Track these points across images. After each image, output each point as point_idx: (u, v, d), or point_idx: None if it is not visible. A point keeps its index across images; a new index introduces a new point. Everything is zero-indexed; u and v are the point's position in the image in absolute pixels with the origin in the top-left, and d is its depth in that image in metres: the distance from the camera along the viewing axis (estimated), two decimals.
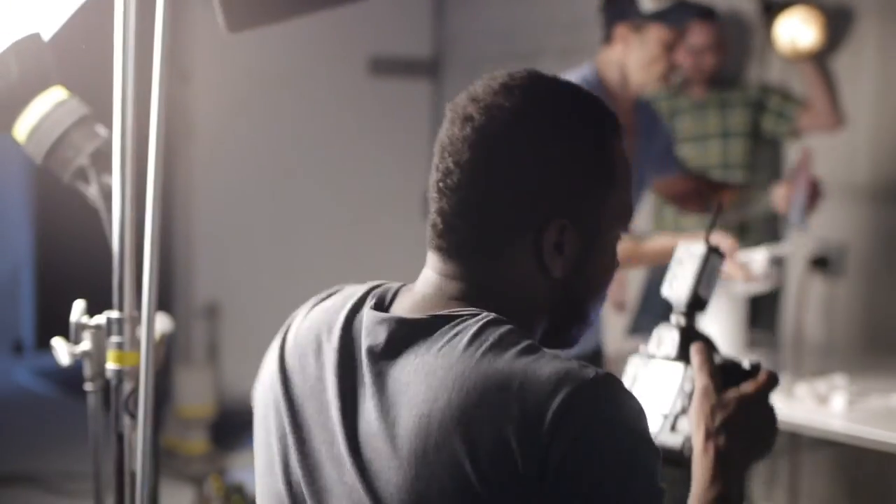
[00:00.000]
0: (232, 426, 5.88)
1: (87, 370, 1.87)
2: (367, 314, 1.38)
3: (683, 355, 1.62)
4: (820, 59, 4.29)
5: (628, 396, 1.25)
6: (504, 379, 1.23)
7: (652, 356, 1.66)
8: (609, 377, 1.24)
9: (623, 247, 3.08)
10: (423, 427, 1.24)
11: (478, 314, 1.32)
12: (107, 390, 1.86)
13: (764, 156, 4.55)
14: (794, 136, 4.37)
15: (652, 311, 4.40)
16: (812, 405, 3.19)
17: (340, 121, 6.21)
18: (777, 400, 2.97)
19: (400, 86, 6.35)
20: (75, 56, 1.99)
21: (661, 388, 1.61)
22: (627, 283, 4.66)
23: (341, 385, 1.35)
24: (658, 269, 4.47)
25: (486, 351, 1.26)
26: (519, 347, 1.26)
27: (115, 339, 1.84)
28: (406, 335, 1.33)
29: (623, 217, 1.43)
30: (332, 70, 6.20)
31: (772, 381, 1.55)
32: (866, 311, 4.53)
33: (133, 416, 1.83)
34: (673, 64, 3.11)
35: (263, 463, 1.46)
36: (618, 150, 1.40)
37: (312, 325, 1.46)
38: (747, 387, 1.53)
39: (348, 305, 1.43)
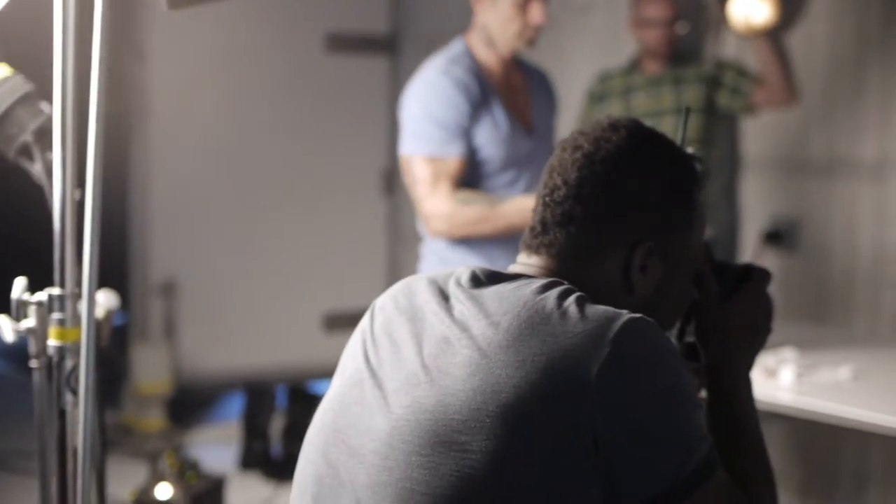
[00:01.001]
0: (189, 403, 5.88)
1: (32, 347, 1.87)
2: (460, 270, 1.59)
3: None
4: (774, 35, 4.31)
5: (662, 331, 1.46)
6: (565, 310, 1.42)
7: None
8: (648, 318, 1.44)
9: (476, 211, 3.10)
10: (491, 333, 1.42)
11: (546, 278, 1.53)
12: (51, 367, 1.86)
13: (719, 131, 4.57)
14: (749, 111, 4.39)
15: None
16: (761, 379, 3.22)
17: (298, 98, 6.19)
18: None
19: (357, 62, 6.33)
20: (18, 33, 1.99)
21: None
22: None
23: (434, 304, 1.54)
24: None
25: (554, 294, 1.45)
26: (578, 295, 1.46)
27: (56, 315, 1.84)
28: (492, 277, 1.55)
29: (695, 260, 1.67)
30: (289, 47, 6.17)
31: (766, 276, 1.74)
32: (818, 284, 4.57)
33: (75, 393, 1.82)
34: (529, 22, 3.17)
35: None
36: (699, 201, 1.64)
37: (406, 286, 1.64)
38: (749, 287, 1.71)
39: (441, 275, 1.62)
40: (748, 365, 1.70)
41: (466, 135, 3.12)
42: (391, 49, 6.43)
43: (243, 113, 6.09)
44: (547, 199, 1.59)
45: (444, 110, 3.12)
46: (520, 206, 3.02)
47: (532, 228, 1.61)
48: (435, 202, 3.11)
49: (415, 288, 1.60)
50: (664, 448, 1.39)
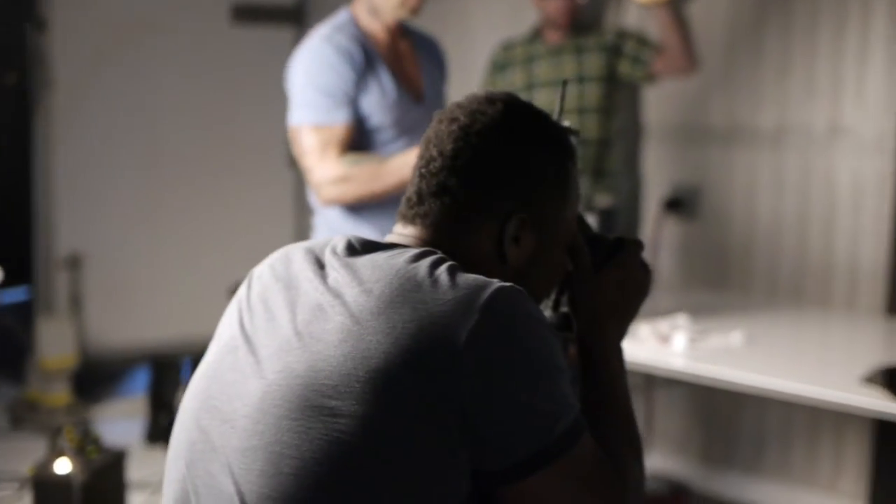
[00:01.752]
0: (95, 377, 5.83)
1: None
2: (336, 239, 1.60)
3: None
4: (674, 5, 4.33)
5: (532, 299, 1.48)
6: (437, 278, 1.44)
7: None
8: (517, 286, 1.46)
9: (365, 169, 3.09)
10: (363, 300, 1.44)
11: (421, 248, 1.54)
12: None
13: (620, 100, 4.60)
14: (650, 80, 4.42)
15: None
16: (655, 345, 3.26)
17: (203, 69, 6.14)
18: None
19: (263, 33, 6.28)
20: None
21: None
22: None
23: (310, 272, 1.55)
24: None
25: (427, 263, 1.47)
26: (451, 264, 1.47)
27: None
28: (367, 246, 1.57)
29: (570, 234, 1.68)
30: (195, 18, 6.11)
31: (638, 246, 1.77)
32: (718, 251, 4.62)
33: None
34: None
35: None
36: (573, 174, 1.66)
37: (281, 257, 1.65)
38: (620, 259, 1.74)
39: (316, 244, 1.63)
40: (619, 335, 1.73)
41: (352, 102, 3.12)
42: (297, 20, 6.38)
43: (149, 85, 6.02)
44: (423, 170, 1.61)
45: (328, 78, 3.11)
46: (409, 160, 3.01)
47: (408, 199, 1.63)
48: (324, 169, 3.10)
49: (292, 256, 1.61)
50: (530, 415, 1.40)
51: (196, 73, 6.11)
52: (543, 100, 4.41)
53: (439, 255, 1.50)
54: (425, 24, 3.77)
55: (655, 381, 4.32)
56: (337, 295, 1.47)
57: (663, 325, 3.36)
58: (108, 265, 5.91)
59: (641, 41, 4.38)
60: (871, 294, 4.20)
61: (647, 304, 3.87)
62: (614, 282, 1.71)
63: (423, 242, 1.59)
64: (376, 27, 3.24)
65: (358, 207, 3.17)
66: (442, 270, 1.45)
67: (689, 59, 4.33)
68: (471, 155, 1.58)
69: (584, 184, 4.32)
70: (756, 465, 4.56)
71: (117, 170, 5.96)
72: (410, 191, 1.63)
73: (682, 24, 4.29)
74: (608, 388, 1.65)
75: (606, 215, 4.49)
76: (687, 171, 4.68)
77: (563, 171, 1.64)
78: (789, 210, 4.40)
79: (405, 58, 3.28)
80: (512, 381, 1.39)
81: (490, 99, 1.62)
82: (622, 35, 4.42)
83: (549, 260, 1.65)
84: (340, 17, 3.27)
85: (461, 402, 1.37)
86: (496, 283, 1.44)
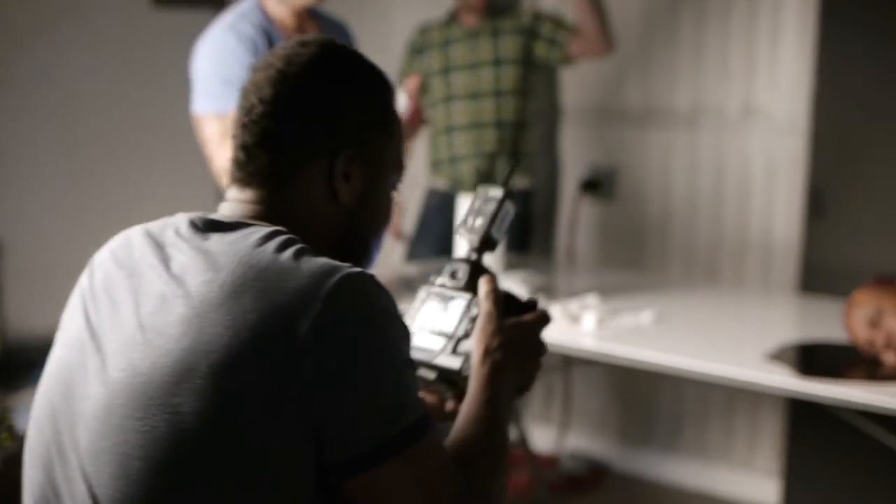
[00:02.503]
0: (16, 366, 5.76)
1: None
2: (178, 218, 1.56)
3: (472, 287, 1.73)
4: None
5: (383, 287, 1.45)
6: (282, 265, 1.41)
7: (442, 286, 1.75)
8: (368, 273, 1.44)
9: None
10: (205, 290, 1.40)
11: (268, 226, 1.50)
12: None
13: (537, 82, 4.62)
14: (566, 62, 4.43)
15: (428, 239, 4.45)
16: (565, 325, 3.28)
17: (124, 54, 6.08)
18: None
19: (185, 17, 6.23)
20: None
21: (449, 314, 1.73)
22: (404, 212, 4.70)
23: (152, 258, 1.51)
24: (434, 198, 4.53)
25: (273, 247, 1.44)
26: (298, 248, 1.44)
27: None
28: (211, 225, 1.52)
29: (398, 168, 1.66)
30: (115, 1, 6.05)
31: (546, 318, 1.71)
32: (635, 231, 4.66)
33: None
34: None
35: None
36: (395, 112, 1.64)
37: (125, 240, 1.61)
38: (527, 317, 1.69)
39: (155, 225, 1.59)
40: (511, 384, 1.65)
41: None
42: (220, 4, 6.34)
43: (68, 68, 5.96)
44: (245, 119, 1.58)
45: (230, 66, 3.11)
46: None
47: (236, 160, 1.59)
48: (224, 157, 3.09)
49: (133, 241, 1.57)
50: (373, 407, 1.38)
51: (117, 57, 6.05)
52: (461, 83, 4.43)
53: (286, 235, 1.47)
54: (345, 8, 3.77)
55: (573, 361, 4.35)
56: (180, 283, 1.43)
57: (573, 305, 3.39)
58: (28, 252, 5.84)
59: (557, 23, 4.39)
60: (785, 272, 4.26)
61: (561, 284, 3.92)
62: (521, 336, 1.66)
63: (259, 202, 1.55)
64: (283, 12, 3.23)
65: None
66: (287, 255, 1.43)
67: (605, 41, 4.35)
68: (291, 96, 1.56)
69: (501, 166, 4.35)
70: (673, 443, 4.61)
71: (37, 156, 5.89)
72: (236, 148, 1.59)
73: (597, 7, 4.31)
74: (490, 426, 1.57)
75: (524, 197, 4.51)
76: (603, 152, 4.72)
77: (384, 105, 1.62)
78: (704, 190, 4.45)
79: None
80: (355, 374, 1.37)
81: (303, 43, 1.61)
82: (538, 17, 4.43)
83: (379, 195, 1.63)
84: (246, 3, 3.26)
85: (303, 395, 1.35)
86: (344, 269, 1.41)
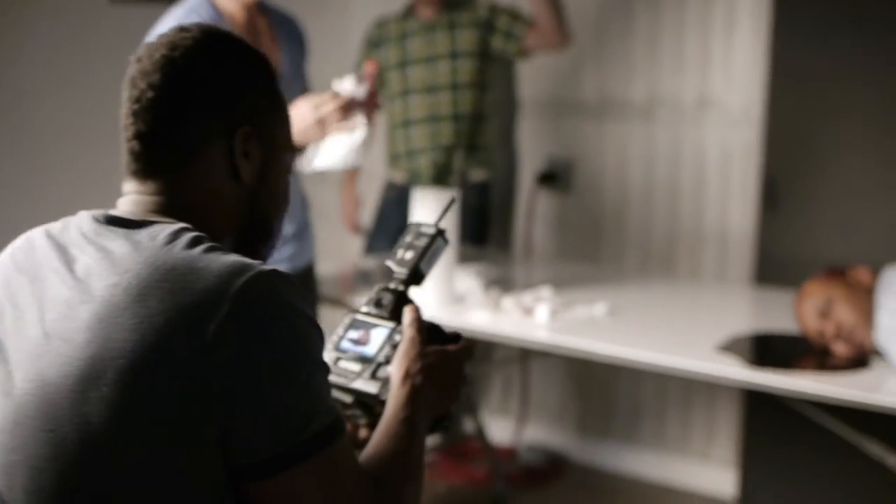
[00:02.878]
0: None
1: None
2: (81, 217, 1.51)
3: (396, 316, 1.72)
4: None
5: (297, 286, 1.42)
6: (190, 264, 1.37)
7: (367, 313, 1.75)
8: (281, 271, 1.41)
9: None
10: (109, 295, 1.36)
11: (174, 223, 1.46)
12: None
13: (494, 75, 4.62)
14: (523, 55, 4.43)
15: (386, 232, 4.44)
16: (518, 317, 3.29)
17: (81, 49, 6.04)
18: (486, 314, 3.05)
19: (140, 12, 6.20)
20: None
21: (371, 340, 1.72)
22: (362, 206, 4.70)
23: (55, 261, 1.46)
24: (392, 192, 4.52)
25: (181, 245, 1.40)
26: (207, 246, 1.41)
27: None
28: (116, 221, 1.47)
29: (291, 149, 1.65)
30: None
31: (469, 350, 1.72)
32: (592, 224, 4.67)
33: None
34: None
35: None
36: (281, 92, 1.62)
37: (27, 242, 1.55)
38: (451, 347, 1.69)
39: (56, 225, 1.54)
40: (429, 411, 1.64)
41: None
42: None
43: (24, 66, 5.92)
44: (135, 107, 1.51)
45: None
46: None
47: (131, 151, 1.52)
48: None
49: (35, 243, 1.52)
50: (282, 411, 1.35)
51: (73, 52, 6.02)
52: (418, 76, 4.42)
53: (193, 233, 1.43)
54: (302, 2, 3.76)
55: (531, 353, 4.36)
56: (85, 288, 1.39)
57: (527, 297, 3.39)
58: None
59: (514, 16, 4.39)
60: (740, 263, 4.28)
61: (518, 276, 3.92)
62: (442, 359, 1.66)
63: (161, 193, 1.51)
64: (233, 7, 3.20)
65: None
66: (195, 254, 1.39)
67: (562, 33, 4.35)
68: (181, 79, 1.51)
69: (458, 159, 4.35)
70: (632, 434, 4.63)
71: None
72: (129, 137, 1.52)
73: (553, 0, 4.31)
74: (406, 444, 1.55)
75: (481, 190, 4.52)
76: (560, 144, 4.72)
77: (273, 84, 1.60)
78: (660, 182, 4.47)
79: (262, 35, 3.26)
80: (262, 378, 1.34)
81: (183, 28, 1.57)
82: (495, 10, 4.43)
83: (277, 173, 1.60)
84: None
85: (209, 399, 1.32)
86: (254, 268, 1.38)
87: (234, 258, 1.39)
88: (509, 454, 4.68)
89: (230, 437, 1.34)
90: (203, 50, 1.55)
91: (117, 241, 1.44)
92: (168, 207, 1.50)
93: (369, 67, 3.01)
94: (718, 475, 4.40)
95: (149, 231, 1.44)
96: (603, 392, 4.70)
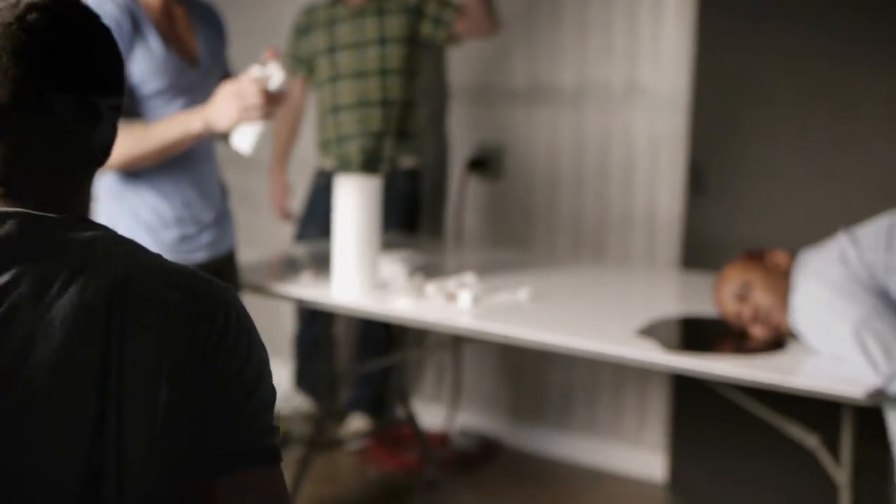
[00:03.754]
0: None
1: None
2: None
3: None
4: None
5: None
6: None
7: None
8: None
9: (129, 132, 3.00)
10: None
11: (15, 211, 1.34)
12: None
13: (424, 61, 4.61)
14: (452, 41, 4.44)
15: (316, 219, 4.43)
16: (442, 303, 3.29)
17: None
18: (409, 300, 3.03)
19: None
20: None
21: None
22: (292, 193, 4.69)
23: None
24: (322, 179, 4.51)
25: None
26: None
27: None
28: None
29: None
30: None
31: None
32: (522, 210, 4.68)
33: None
34: None
35: None
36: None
37: None
38: None
39: None
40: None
41: None
42: None
43: None
44: None
45: None
46: (172, 122, 2.99)
47: None
48: None
49: None
50: (242, 421, 1.34)
51: None
52: (346, 62, 4.41)
53: (104, 230, 1.37)
54: None
55: (463, 339, 4.37)
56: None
57: (450, 283, 3.40)
58: None
59: (443, 2, 4.39)
60: (668, 248, 4.30)
61: (448, 263, 3.91)
62: None
63: (36, 195, 1.37)
64: None
65: (137, 173, 3.11)
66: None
67: (490, 20, 4.36)
68: (41, 46, 1.36)
69: (388, 145, 4.35)
70: (564, 419, 4.64)
71: None
72: None
73: None
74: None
75: (411, 176, 4.52)
76: (490, 131, 4.72)
77: (118, 52, 1.47)
78: (590, 167, 4.48)
79: (178, 22, 3.23)
80: (215, 393, 1.32)
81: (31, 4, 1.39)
82: None
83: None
84: None
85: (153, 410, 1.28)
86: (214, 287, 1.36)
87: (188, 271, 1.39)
88: (442, 440, 4.69)
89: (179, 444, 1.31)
90: (58, 17, 1.40)
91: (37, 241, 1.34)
92: (44, 196, 1.40)
93: (269, 54, 3.02)
94: (650, 459, 4.43)
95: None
96: (535, 377, 4.72)
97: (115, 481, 1.27)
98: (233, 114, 2.93)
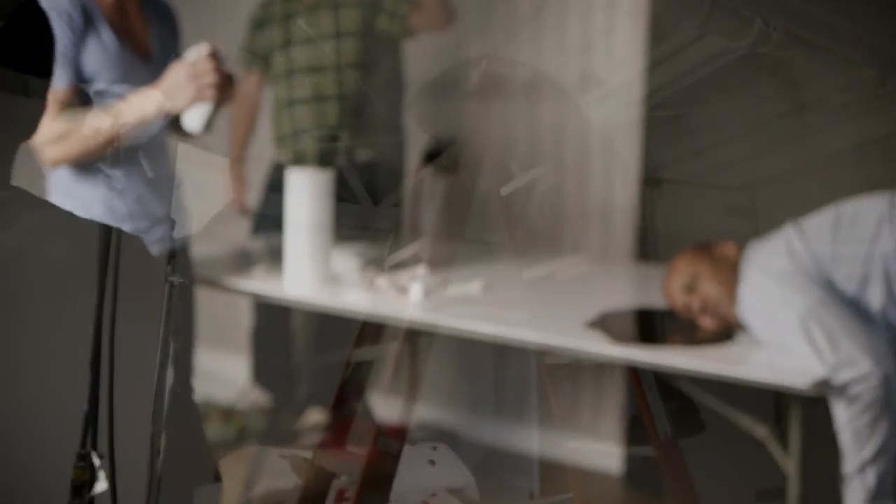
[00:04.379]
0: None
1: None
2: None
3: None
4: None
5: None
6: None
7: None
8: None
9: (72, 120, 3.01)
10: None
11: None
12: None
13: (381, 55, 4.60)
14: (408, 34, 4.43)
15: (272, 214, 4.42)
16: (394, 296, 3.29)
17: None
18: (361, 294, 3.00)
19: None
20: None
21: None
22: (249, 187, 4.67)
23: None
24: (278, 173, 4.49)
25: None
26: None
27: None
28: None
29: None
30: None
31: None
32: (477, 203, 4.67)
33: None
34: None
35: None
36: None
37: None
38: None
39: None
40: None
41: (72, 63, 3.05)
42: None
43: None
44: None
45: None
46: (123, 109, 2.98)
47: None
48: (42, 131, 3.04)
49: None
50: None
51: None
52: (302, 56, 4.40)
53: None
54: None
55: (419, 332, 4.35)
56: None
57: (402, 276, 3.40)
58: None
59: None
60: (623, 241, 4.30)
61: (403, 255, 3.90)
62: None
63: None
64: None
65: (89, 167, 3.11)
66: None
67: (446, 13, 4.35)
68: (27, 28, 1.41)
69: (344, 139, 4.34)
70: (522, 413, 4.64)
71: None
72: None
73: None
74: None
75: (368, 169, 4.51)
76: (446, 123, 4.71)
77: None
78: (544, 156, 4.47)
79: (131, 16, 3.23)
80: None
81: None
82: None
83: None
84: None
85: None
86: None
87: None
88: (399, 433, 4.66)
89: None
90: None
91: None
92: None
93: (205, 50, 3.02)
94: (607, 452, 4.43)
95: None
96: (492, 373, 4.71)
97: None
98: (190, 92, 2.94)
